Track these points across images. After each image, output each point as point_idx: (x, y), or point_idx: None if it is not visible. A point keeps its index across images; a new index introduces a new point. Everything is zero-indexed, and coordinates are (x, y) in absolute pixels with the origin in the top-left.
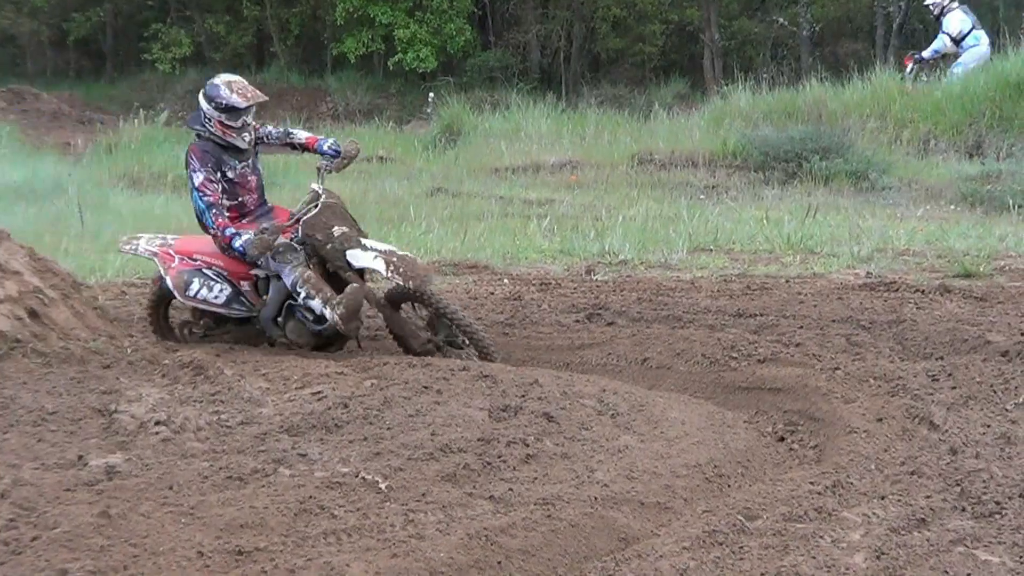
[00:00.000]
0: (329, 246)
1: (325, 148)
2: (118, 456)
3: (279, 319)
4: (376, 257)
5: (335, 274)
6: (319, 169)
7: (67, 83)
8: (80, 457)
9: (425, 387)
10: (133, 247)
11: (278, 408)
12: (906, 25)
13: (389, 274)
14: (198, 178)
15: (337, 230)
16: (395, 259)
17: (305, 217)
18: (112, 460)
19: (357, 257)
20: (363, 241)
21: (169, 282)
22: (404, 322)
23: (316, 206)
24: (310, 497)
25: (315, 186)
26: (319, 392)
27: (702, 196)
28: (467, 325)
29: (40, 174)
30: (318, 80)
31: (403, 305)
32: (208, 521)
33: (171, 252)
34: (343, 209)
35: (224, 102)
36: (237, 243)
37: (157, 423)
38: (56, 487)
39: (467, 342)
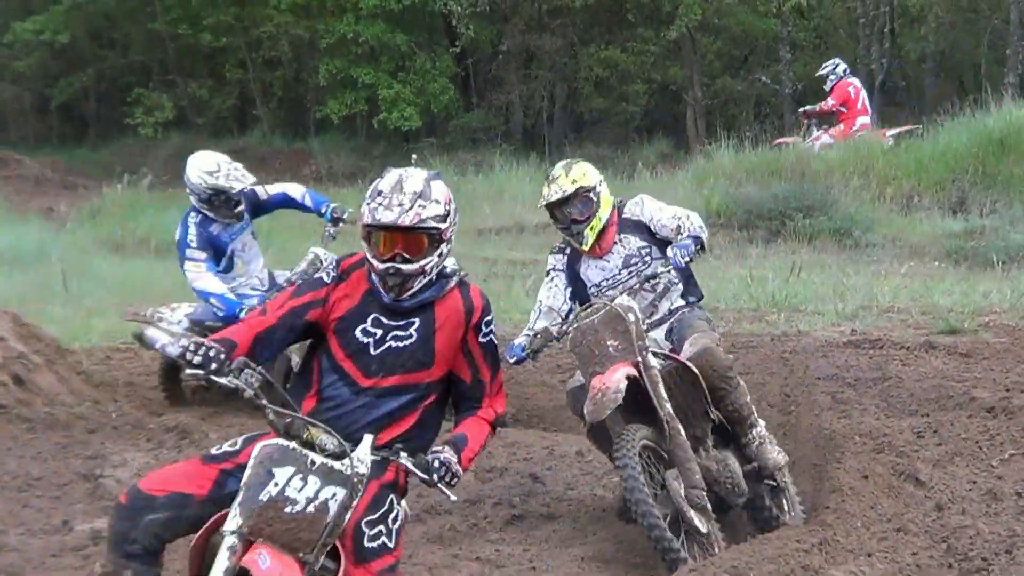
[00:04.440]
0: None
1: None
2: (103, 521)
3: None
4: None
5: None
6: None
7: (50, 148)
8: (65, 522)
9: None
10: None
11: None
12: (888, 82)
13: None
14: None
15: None
16: None
17: None
18: (98, 525)
19: None
20: None
21: None
22: None
23: None
24: None
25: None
26: None
27: None
28: None
29: (24, 239)
30: (301, 143)
31: None
32: None
33: None
34: None
35: None
36: None
37: None
38: (42, 552)
39: None
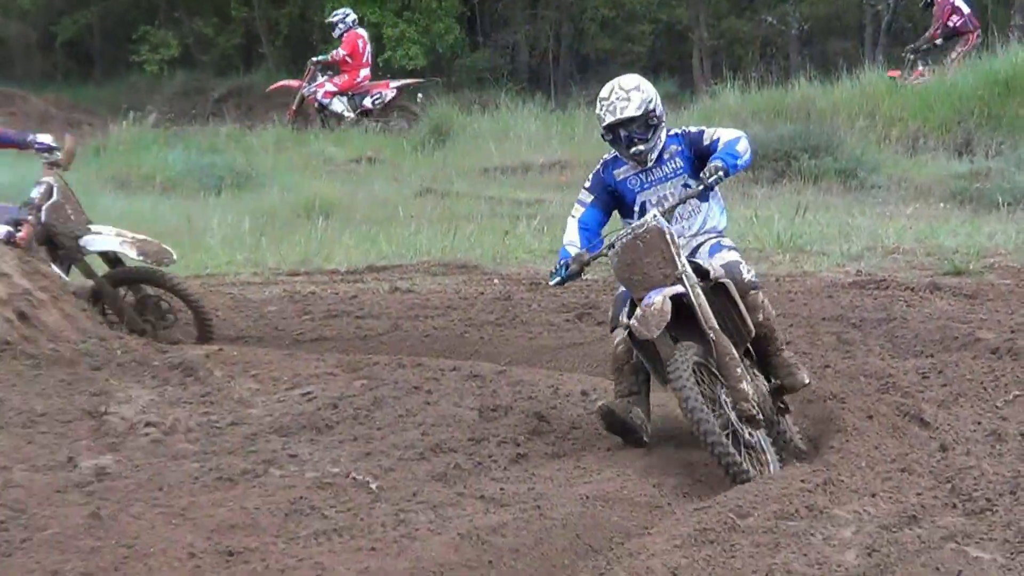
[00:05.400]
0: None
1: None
2: (108, 457)
3: None
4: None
5: None
6: None
7: (55, 85)
8: (70, 459)
9: (415, 387)
10: None
11: (268, 409)
12: (895, 23)
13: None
14: None
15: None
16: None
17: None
18: (102, 461)
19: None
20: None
21: None
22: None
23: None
24: (301, 497)
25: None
26: (309, 393)
27: None
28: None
29: (28, 176)
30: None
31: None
32: (199, 522)
33: None
34: None
35: None
36: None
37: (147, 424)
38: (47, 488)
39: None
